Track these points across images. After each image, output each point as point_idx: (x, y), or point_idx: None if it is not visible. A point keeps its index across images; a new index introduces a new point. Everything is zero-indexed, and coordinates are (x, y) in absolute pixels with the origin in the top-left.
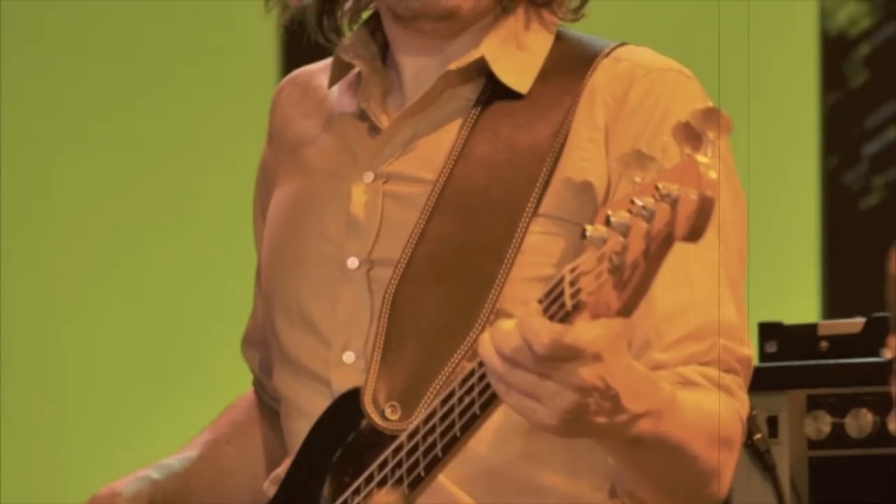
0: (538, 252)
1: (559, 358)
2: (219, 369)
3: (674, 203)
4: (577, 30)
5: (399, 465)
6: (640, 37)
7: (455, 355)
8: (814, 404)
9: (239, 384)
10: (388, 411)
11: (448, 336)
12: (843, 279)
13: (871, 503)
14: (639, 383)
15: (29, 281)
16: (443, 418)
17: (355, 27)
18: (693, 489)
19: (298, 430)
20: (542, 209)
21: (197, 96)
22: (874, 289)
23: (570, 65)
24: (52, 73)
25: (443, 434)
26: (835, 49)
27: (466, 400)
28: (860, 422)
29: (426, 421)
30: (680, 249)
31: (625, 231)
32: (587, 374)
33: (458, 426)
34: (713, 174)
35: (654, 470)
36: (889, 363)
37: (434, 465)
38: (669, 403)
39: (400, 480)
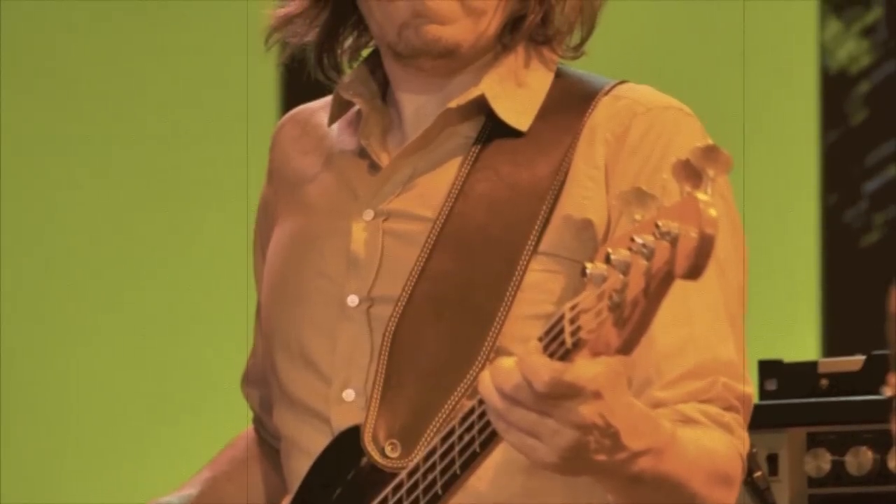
0: (538, 290)
1: (559, 396)
2: (219, 407)
3: (674, 241)
4: (576, 67)
5: (399, 503)
6: (639, 75)
7: (455, 393)
8: (814, 442)
9: (239, 422)
10: (388, 449)
11: (448, 374)
12: (843, 317)
13: None
14: (639, 421)
15: (30, 314)
16: (443, 456)
17: (355, 65)
18: None
19: (298, 467)
20: (542, 247)
21: (197, 133)
22: (874, 326)
23: (570, 102)
24: (54, 107)
25: (443, 472)
26: (835, 86)
27: (466, 438)
28: (860, 459)
29: (426, 458)
30: (680, 287)
31: (625, 269)
32: (587, 411)
33: (458, 464)
34: (713, 212)
35: None
36: (889, 401)
37: (434, 503)
38: (669, 441)
39: None
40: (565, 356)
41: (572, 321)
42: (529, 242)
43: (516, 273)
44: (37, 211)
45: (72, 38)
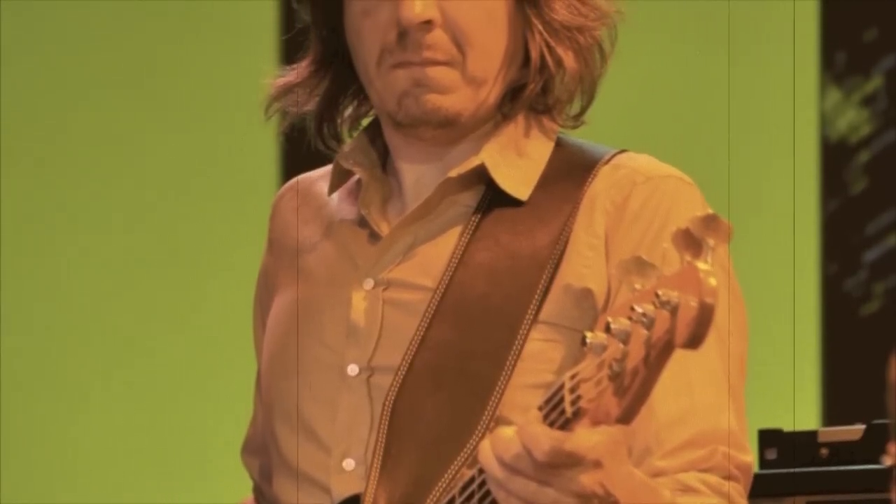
0: (538, 359)
1: (559, 465)
2: (219, 476)
3: (674, 310)
4: (577, 136)
5: None
6: (639, 144)
7: (455, 462)
8: None
9: (239, 490)
10: None
11: (448, 443)
12: (844, 386)
13: None
14: (639, 490)
15: (33, 382)
16: None
17: (355, 134)
18: None
19: None
20: (542, 316)
21: (197, 203)
22: (874, 396)
23: (571, 172)
24: (56, 174)
25: None
26: (835, 156)
27: None
28: None
29: None
30: (680, 356)
31: (625, 338)
32: (587, 480)
33: None
34: (713, 281)
35: None
36: (889, 470)
37: None
38: None
39: None
40: (565, 425)
41: (572, 390)
42: (529, 311)
43: (516, 342)
44: (39, 277)
45: (73, 104)
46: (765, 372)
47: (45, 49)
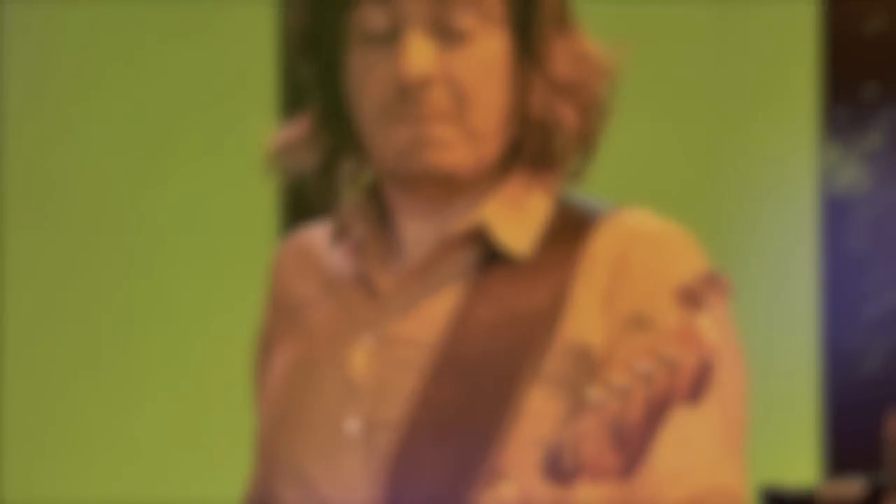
0: (538, 415)
1: None
2: None
3: (673, 366)
4: (577, 191)
5: None
6: (640, 198)
7: None
8: None
9: None
10: None
11: (448, 499)
12: (843, 443)
13: None
14: None
15: (31, 442)
16: None
17: (355, 190)
18: None
19: None
20: (542, 372)
21: (197, 258)
22: (873, 452)
23: (571, 227)
24: (53, 238)
25: None
26: (835, 211)
27: None
28: None
29: None
30: (679, 412)
31: (624, 394)
32: None
33: None
34: (712, 337)
35: None
36: None
37: None
38: None
39: None
40: (565, 481)
41: (572, 446)
42: (529, 368)
43: (516, 398)
44: (38, 334)
45: (74, 157)
46: (764, 428)
47: (49, 105)
